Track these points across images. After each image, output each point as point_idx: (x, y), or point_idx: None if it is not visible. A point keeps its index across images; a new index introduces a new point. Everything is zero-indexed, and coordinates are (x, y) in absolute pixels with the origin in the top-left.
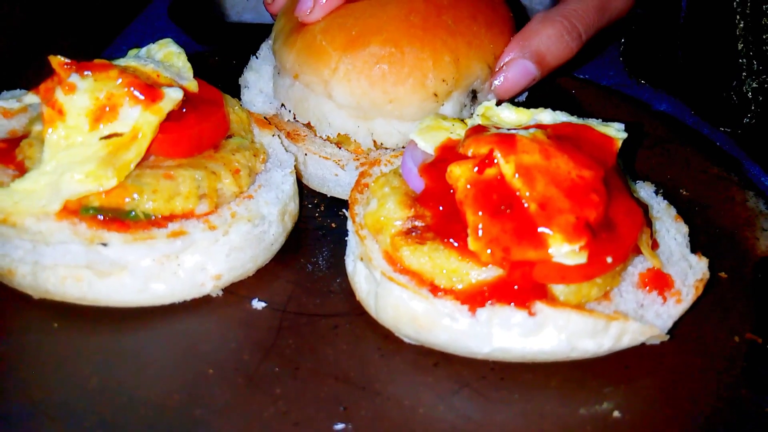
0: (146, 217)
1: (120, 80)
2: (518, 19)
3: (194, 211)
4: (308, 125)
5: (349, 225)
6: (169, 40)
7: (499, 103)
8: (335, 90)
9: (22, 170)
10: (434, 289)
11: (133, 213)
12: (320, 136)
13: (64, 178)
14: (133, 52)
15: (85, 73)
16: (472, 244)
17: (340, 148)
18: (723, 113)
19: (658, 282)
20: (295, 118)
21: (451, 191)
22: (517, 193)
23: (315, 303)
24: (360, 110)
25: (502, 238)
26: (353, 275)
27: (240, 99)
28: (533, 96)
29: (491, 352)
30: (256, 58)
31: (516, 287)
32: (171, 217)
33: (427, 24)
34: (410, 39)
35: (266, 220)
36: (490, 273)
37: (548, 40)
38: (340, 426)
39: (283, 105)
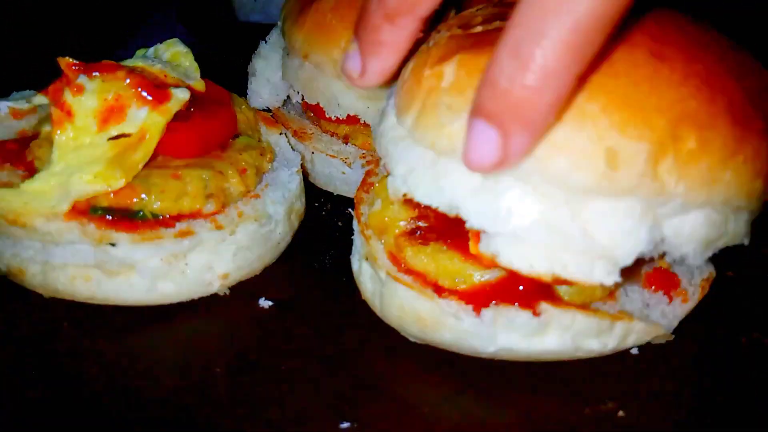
0: (154, 217)
1: (128, 81)
2: None
3: (201, 211)
4: (317, 106)
5: (355, 225)
6: (176, 40)
7: None
8: None
9: (32, 171)
10: (438, 290)
11: (141, 213)
12: (327, 131)
13: (73, 179)
14: (140, 52)
15: (93, 74)
16: (473, 247)
17: (346, 143)
18: None
19: (664, 281)
20: (303, 99)
21: None
22: None
23: (321, 302)
24: (370, 90)
25: None
26: (358, 275)
27: (247, 87)
28: None
29: (496, 352)
30: (266, 43)
31: (520, 287)
32: (178, 217)
33: None
34: None
35: (273, 220)
36: (493, 274)
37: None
38: (345, 425)
39: (291, 87)
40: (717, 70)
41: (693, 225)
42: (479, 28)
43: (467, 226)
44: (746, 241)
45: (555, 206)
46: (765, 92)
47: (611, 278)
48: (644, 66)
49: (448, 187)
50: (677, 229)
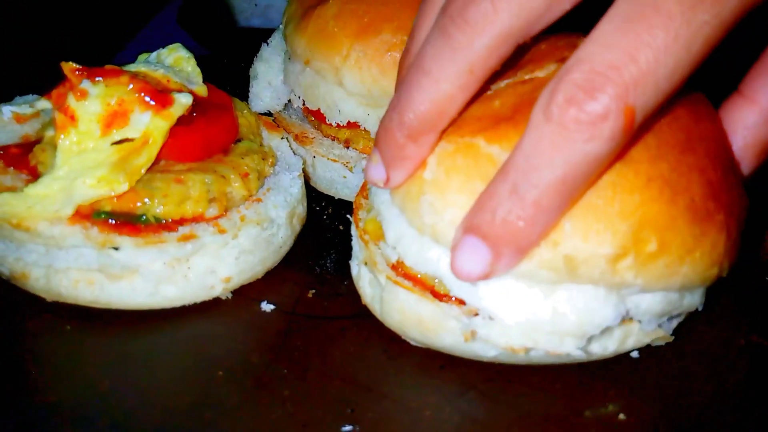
0: (157, 221)
1: (131, 86)
2: None
3: (204, 215)
4: (318, 112)
5: (353, 229)
6: (178, 45)
7: None
8: (346, 77)
9: (35, 175)
10: (436, 294)
11: (144, 217)
12: (328, 136)
13: (77, 183)
14: (143, 57)
15: (97, 79)
16: None
17: (348, 147)
18: None
19: None
20: (304, 104)
21: None
22: None
23: (323, 305)
24: (370, 98)
25: None
26: (357, 279)
27: (249, 91)
28: None
29: (497, 356)
30: (267, 45)
31: None
32: (181, 221)
33: None
34: None
35: (275, 224)
36: None
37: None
38: (347, 428)
39: (292, 91)
40: (682, 167)
41: (650, 303)
42: None
43: (450, 294)
44: (700, 308)
45: (528, 288)
46: (729, 179)
47: (578, 351)
48: (608, 172)
49: (432, 260)
50: (636, 304)
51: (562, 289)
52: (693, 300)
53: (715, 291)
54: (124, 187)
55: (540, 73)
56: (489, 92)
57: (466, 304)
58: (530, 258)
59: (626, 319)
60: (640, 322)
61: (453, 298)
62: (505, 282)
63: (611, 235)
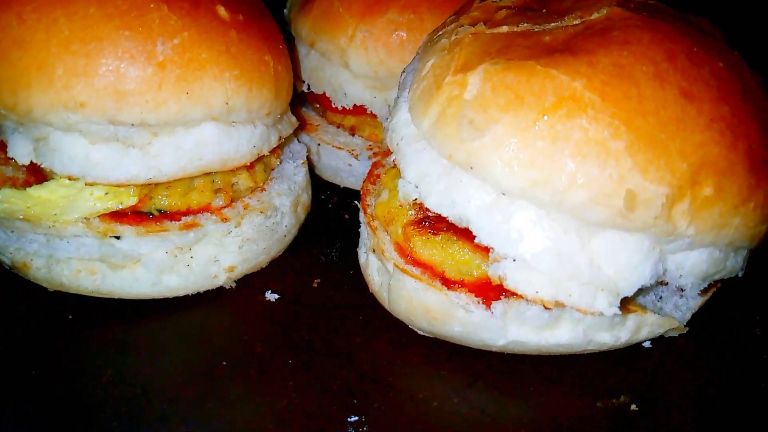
0: (160, 213)
1: None
2: None
3: (210, 206)
4: (323, 96)
5: (361, 216)
6: None
7: None
8: (352, 59)
9: (39, 174)
10: (445, 281)
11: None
12: (333, 123)
13: (83, 194)
14: None
15: None
16: None
17: (353, 135)
18: None
19: None
20: (309, 89)
21: None
22: None
23: (328, 295)
24: (377, 80)
25: None
26: (365, 267)
27: None
28: None
29: (506, 345)
30: None
31: None
32: (186, 212)
33: None
34: (430, 5)
35: (279, 212)
36: None
37: None
38: (353, 418)
39: (298, 76)
40: (742, 113)
41: (695, 261)
42: (504, 28)
43: (476, 241)
44: (741, 274)
45: (566, 234)
46: None
47: (612, 309)
48: (673, 106)
49: (460, 200)
50: (679, 264)
51: (603, 237)
52: (736, 263)
53: (728, 281)
54: (133, 200)
55: (591, 17)
56: (536, 29)
57: (494, 254)
58: (587, 188)
59: (661, 281)
60: (681, 289)
61: (461, 284)
62: (540, 227)
63: (671, 174)
